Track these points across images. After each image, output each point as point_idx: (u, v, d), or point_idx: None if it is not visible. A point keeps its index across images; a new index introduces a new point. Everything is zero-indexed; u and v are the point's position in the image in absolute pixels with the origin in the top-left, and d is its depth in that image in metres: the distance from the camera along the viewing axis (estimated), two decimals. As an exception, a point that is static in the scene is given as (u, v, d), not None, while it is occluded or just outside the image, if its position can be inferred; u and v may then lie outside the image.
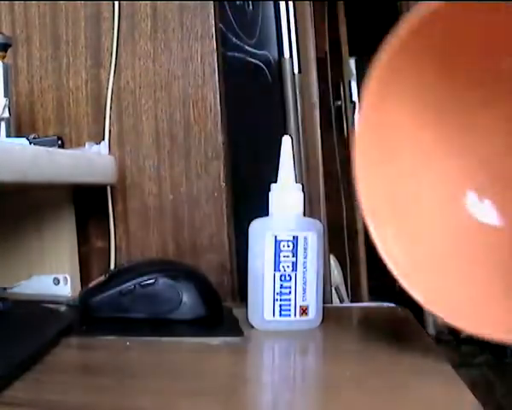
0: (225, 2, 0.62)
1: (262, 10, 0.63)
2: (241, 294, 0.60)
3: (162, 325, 0.47)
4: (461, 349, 2.23)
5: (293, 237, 0.45)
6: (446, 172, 0.43)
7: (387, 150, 0.41)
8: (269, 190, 0.47)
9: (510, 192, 0.43)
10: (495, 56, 0.39)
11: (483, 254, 0.42)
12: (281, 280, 0.46)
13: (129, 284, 0.47)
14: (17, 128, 0.62)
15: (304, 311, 0.46)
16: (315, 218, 0.50)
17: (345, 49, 2.04)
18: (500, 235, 0.42)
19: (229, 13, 0.61)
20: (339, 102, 1.98)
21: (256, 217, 0.47)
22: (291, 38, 0.64)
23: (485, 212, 0.43)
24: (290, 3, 0.63)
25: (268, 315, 0.46)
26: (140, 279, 0.47)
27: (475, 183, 0.43)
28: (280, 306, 0.46)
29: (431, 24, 0.35)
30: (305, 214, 0.47)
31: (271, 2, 0.63)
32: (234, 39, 0.61)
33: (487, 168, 0.43)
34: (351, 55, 2.22)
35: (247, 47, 0.61)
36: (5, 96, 0.58)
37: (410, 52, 0.37)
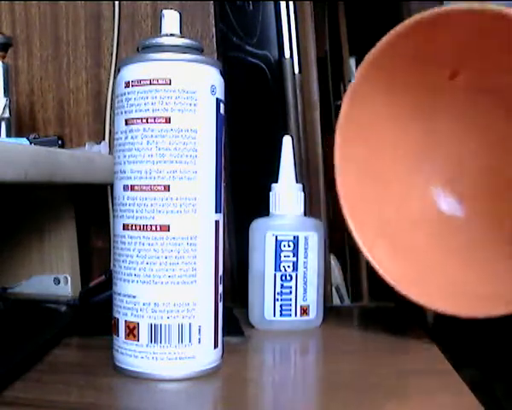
0: (225, 2, 0.61)
1: (262, 10, 0.63)
2: (242, 294, 0.59)
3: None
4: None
5: (294, 236, 0.45)
6: (415, 170, 0.49)
7: (366, 147, 0.47)
8: (269, 189, 0.47)
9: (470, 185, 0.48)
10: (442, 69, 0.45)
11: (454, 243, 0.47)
12: (281, 280, 0.46)
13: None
14: (17, 128, 0.62)
15: (304, 311, 0.46)
16: (315, 218, 0.50)
17: (345, 49, 2.04)
18: (465, 225, 0.48)
19: (229, 13, 0.61)
20: (339, 102, 1.98)
21: (256, 217, 0.47)
22: (291, 38, 0.64)
23: (450, 205, 0.49)
24: (291, 3, 0.63)
25: (268, 315, 0.46)
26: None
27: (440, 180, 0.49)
28: (280, 306, 0.46)
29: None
30: (305, 214, 0.47)
31: (272, 2, 0.63)
32: (234, 39, 0.61)
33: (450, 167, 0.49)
34: (351, 55, 2.22)
35: (247, 47, 0.61)
36: (5, 96, 0.58)
37: (384, 63, 0.44)
